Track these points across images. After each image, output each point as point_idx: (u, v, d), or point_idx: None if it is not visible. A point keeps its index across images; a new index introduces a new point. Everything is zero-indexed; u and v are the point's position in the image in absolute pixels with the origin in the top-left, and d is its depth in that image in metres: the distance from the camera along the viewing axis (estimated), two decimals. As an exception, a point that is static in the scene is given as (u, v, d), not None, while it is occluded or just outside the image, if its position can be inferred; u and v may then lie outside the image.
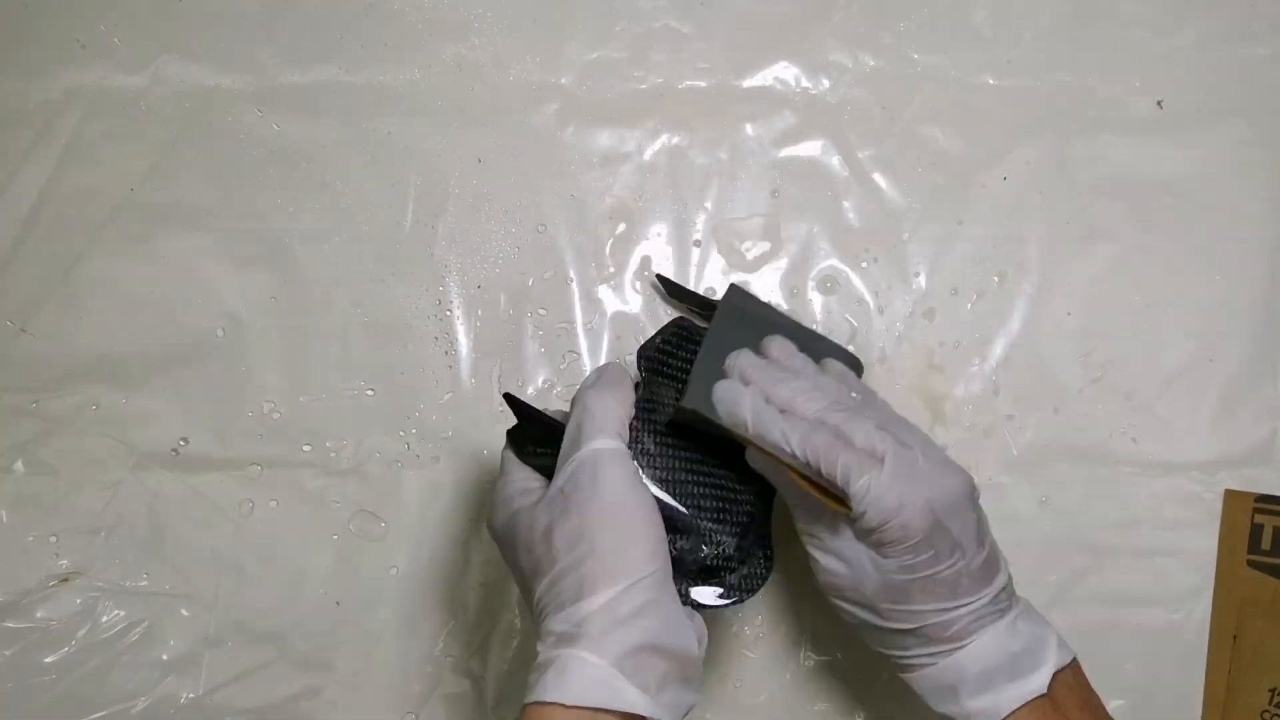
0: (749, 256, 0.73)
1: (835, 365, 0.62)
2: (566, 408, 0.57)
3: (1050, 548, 0.70)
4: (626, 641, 0.48)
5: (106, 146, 0.73)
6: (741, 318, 0.63)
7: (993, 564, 0.54)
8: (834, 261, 0.73)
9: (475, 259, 0.73)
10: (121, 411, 0.71)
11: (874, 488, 0.51)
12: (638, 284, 0.73)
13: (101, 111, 0.74)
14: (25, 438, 0.71)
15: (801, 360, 0.60)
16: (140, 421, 0.71)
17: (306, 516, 0.71)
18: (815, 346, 0.63)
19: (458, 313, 0.72)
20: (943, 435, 0.71)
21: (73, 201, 0.73)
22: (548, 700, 0.47)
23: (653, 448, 0.57)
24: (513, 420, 0.58)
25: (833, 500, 0.52)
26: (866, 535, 0.52)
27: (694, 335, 0.62)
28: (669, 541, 0.53)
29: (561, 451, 0.54)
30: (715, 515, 0.56)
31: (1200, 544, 0.70)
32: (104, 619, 0.70)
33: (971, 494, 0.55)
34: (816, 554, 0.55)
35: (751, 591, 0.56)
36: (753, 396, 0.55)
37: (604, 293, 0.73)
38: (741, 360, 0.58)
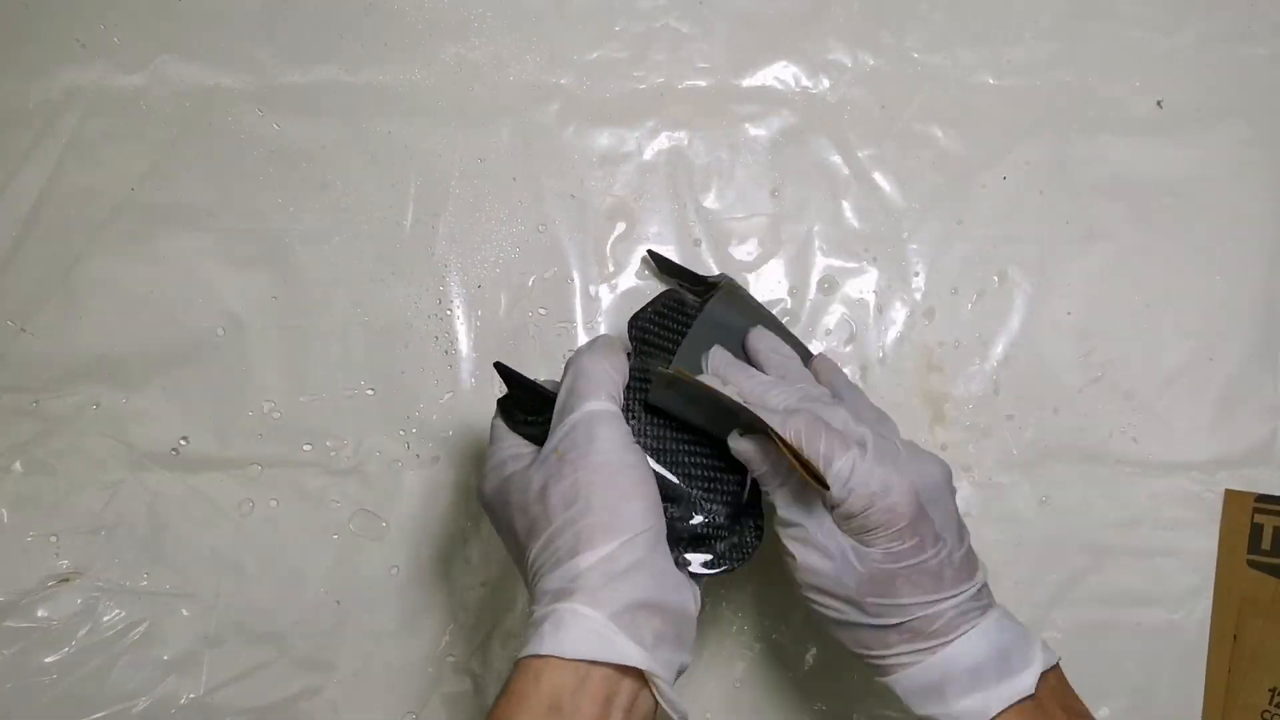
0: (749, 256, 0.73)
1: (823, 361, 0.62)
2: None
3: (1050, 548, 0.70)
4: (623, 596, 0.48)
5: (106, 146, 0.73)
6: (729, 311, 0.63)
7: (972, 559, 0.53)
8: (834, 261, 0.73)
9: (476, 259, 0.73)
10: (121, 411, 0.71)
11: (858, 470, 0.50)
12: (639, 284, 0.73)
13: (101, 111, 0.74)
14: (25, 438, 0.71)
15: (787, 352, 0.60)
16: (140, 421, 0.71)
17: (307, 516, 0.71)
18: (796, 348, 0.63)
19: (458, 312, 0.72)
20: (943, 435, 0.71)
21: (73, 201, 0.73)
22: (543, 653, 0.47)
23: (645, 417, 0.56)
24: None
25: (813, 478, 0.50)
26: (850, 521, 0.51)
27: (685, 307, 0.62)
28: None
29: (555, 413, 0.54)
30: (706, 485, 0.56)
31: (1200, 544, 0.70)
32: (104, 619, 0.70)
33: (949, 482, 0.54)
34: (797, 549, 0.53)
35: (741, 560, 0.55)
36: (731, 391, 0.55)
37: (604, 292, 0.73)
38: (715, 358, 0.59)
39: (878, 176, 0.74)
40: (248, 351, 0.72)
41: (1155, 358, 0.72)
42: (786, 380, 0.57)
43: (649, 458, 0.54)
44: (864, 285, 0.73)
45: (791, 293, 0.72)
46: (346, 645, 0.70)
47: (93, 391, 0.72)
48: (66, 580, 0.70)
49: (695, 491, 0.55)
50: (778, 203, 0.73)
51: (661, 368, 0.56)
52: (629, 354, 0.58)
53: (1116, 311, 0.72)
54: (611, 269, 0.73)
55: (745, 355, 0.61)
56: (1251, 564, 0.69)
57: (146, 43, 0.74)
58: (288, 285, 0.72)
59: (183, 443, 0.71)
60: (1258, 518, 0.69)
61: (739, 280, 0.72)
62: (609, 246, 0.73)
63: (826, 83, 0.74)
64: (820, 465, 0.50)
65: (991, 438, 0.71)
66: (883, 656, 0.52)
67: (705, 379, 0.57)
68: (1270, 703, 0.67)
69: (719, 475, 0.56)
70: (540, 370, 0.71)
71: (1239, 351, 0.71)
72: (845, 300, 0.73)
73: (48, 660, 0.69)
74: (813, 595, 0.53)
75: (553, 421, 0.54)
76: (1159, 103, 0.74)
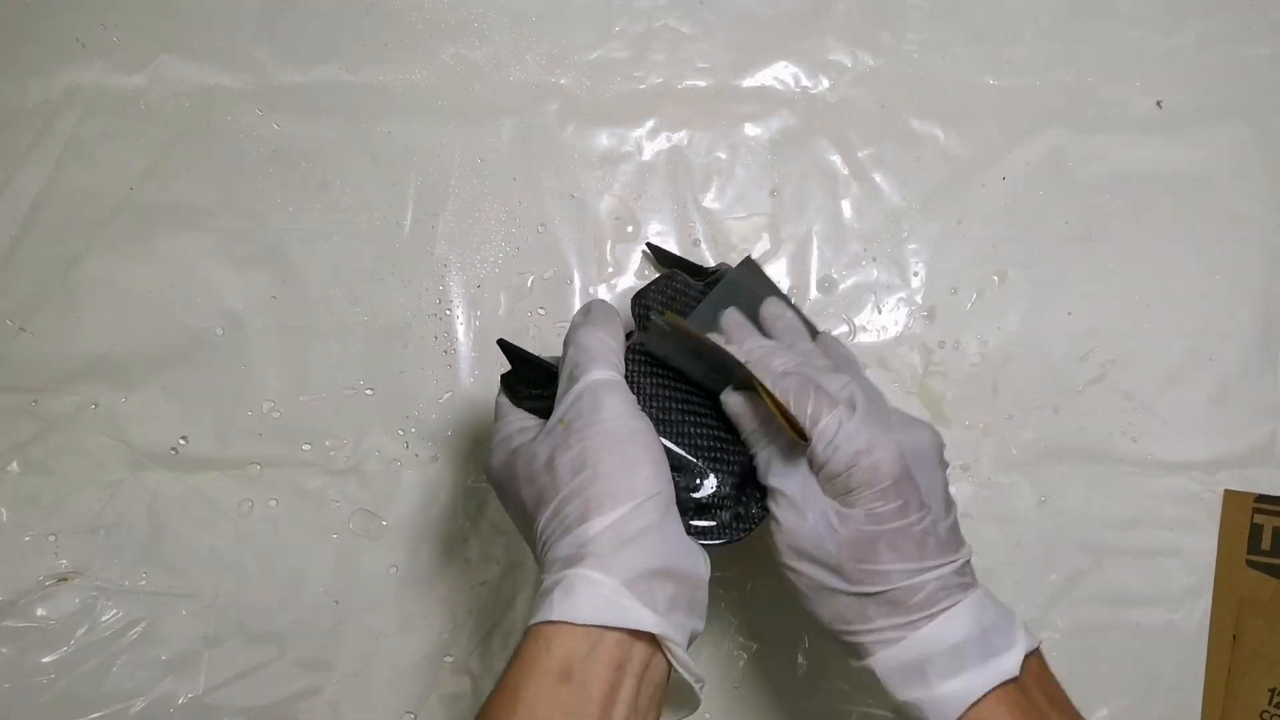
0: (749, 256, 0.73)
1: (828, 339, 0.61)
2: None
3: (1050, 548, 0.70)
4: (634, 562, 0.47)
5: (106, 146, 0.73)
6: (748, 280, 0.63)
7: (958, 534, 0.52)
8: (833, 261, 0.73)
9: (475, 258, 0.73)
10: (121, 411, 0.71)
11: (844, 428, 0.50)
12: (639, 285, 0.73)
13: (101, 111, 0.74)
14: (24, 437, 0.71)
15: (792, 318, 0.60)
16: (139, 421, 0.71)
17: (306, 516, 0.71)
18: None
19: (458, 312, 0.72)
20: (943, 435, 0.71)
21: (72, 201, 0.73)
22: (554, 619, 0.46)
23: (650, 388, 0.56)
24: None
25: (795, 431, 0.50)
26: (834, 481, 0.51)
27: (688, 289, 0.62)
28: None
29: (560, 385, 0.54)
30: (712, 456, 0.55)
31: (1200, 544, 0.70)
32: (103, 618, 0.70)
33: (939, 451, 0.54)
34: (781, 511, 0.52)
35: (748, 530, 0.55)
36: (734, 350, 0.56)
37: (604, 292, 0.73)
38: (728, 317, 0.59)
39: (877, 176, 0.74)
40: (247, 351, 0.72)
41: (1155, 358, 0.72)
42: (793, 349, 0.57)
43: (655, 429, 0.54)
44: (864, 285, 0.73)
45: (791, 292, 0.72)
46: (346, 645, 0.70)
47: (92, 391, 0.72)
48: (65, 580, 0.70)
49: (700, 462, 0.55)
50: (777, 202, 0.73)
51: (657, 317, 0.56)
52: (630, 330, 0.58)
53: (1116, 311, 0.72)
54: (611, 269, 0.73)
55: (758, 323, 0.61)
56: (1251, 564, 0.69)
57: (146, 43, 0.74)
58: (287, 285, 0.72)
59: (182, 442, 0.71)
60: (1257, 518, 0.69)
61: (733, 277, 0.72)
62: (608, 246, 0.73)
63: (826, 83, 0.75)
64: (807, 424, 0.50)
65: (991, 438, 0.71)
66: (861, 632, 0.51)
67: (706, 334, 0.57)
68: (1270, 703, 0.67)
69: (724, 447, 0.56)
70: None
71: (1239, 351, 0.71)
72: (845, 300, 0.73)
73: (46, 660, 0.69)
74: (793, 562, 0.52)
75: (558, 394, 0.54)
76: (1159, 103, 0.74)
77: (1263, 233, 0.72)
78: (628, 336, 0.57)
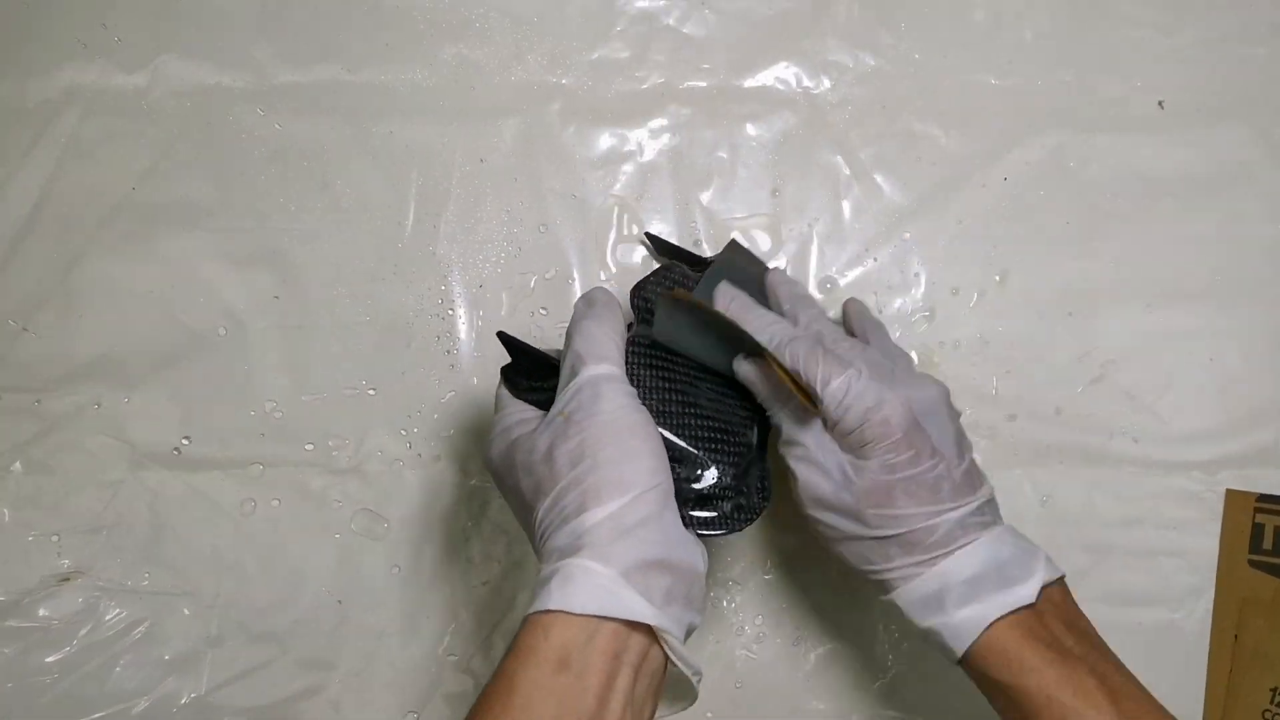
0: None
1: (855, 304, 0.65)
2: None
3: (1050, 548, 0.69)
4: (632, 553, 0.48)
5: (106, 146, 0.73)
6: (739, 260, 0.65)
7: (975, 477, 0.55)
8: (834, 261, 0.73)
9: (477, 258, 0.73)
10: (122, 411, 0.71)
11: (854, 387, 0.53)
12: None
13: (101, 111, 0.74)
14: (26, 437, 0.71)
15: (802, 291, 0.64)
16: (141, 421, 0.71)
17: (308, 516, 0.71)
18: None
19: (460, 312, 0.72)
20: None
21: (73, 201, 0.73)
22: (552, 608, 0.46)
23: (650, 381, 0.57)
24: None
25: (805, 398, 0.53)
26: (848, 438, 0.53)
27: (686, 280, 0.62)
28: None
29: (561, 378, 0.54)
30: (712, 447, 0.56)
31: (1201, 544, 0.70)
32: (105, 618, 0.70)
33: (948, 402, 0.56)
34: (799, 467, 0.55)
35: (748, 521, 0.56)
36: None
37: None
38: (722, 291, 0.61)
39: (878, 177, 0.74)
40: (249, 351, 0.72)
41: (1156, 357, 0.72)
42: (800, 318, 0.60)
43: (655, 421, 0.54)
44: (864, 285, 0.73)
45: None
46: (348, 645, 0.70)
47: (93, 391, 0.71)
48: (67, 580, 0.70)
49: (701, 453, 0.55)
50: (778, 202, 0.74)
51: (664, 291, 0.57)
52: (630, 323, 0.59)
53: (1117, 312, 0.72)
54: (613, 269, 0.73)
55: (760, 298, 0.63)
56: (1253, 564, 0.69)
57: (146, 42, 0.74)
58: (289, 285, 0.72)
59: (184, 442, 0.71)
60: (1259, 517, 0.69)
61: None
62: (610, 246, 0.73)
63: (827, 83, 0.75)
64: (818, 387, 0.53)
65: (992, 438, 0.71)
66: (884, 570, 0.54)
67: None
68: (1271, 702, 0.68)
69: (724, 438, 0.56)
70: (541, 370, 0.72)
71: (1239, 351, 0.72)
72: (846, 300, 0.73)
73: (49, 660, 0.69)
74: (816, 513, 0.55)
75: (559, 386, 0.54)
76: (1160, 103, 0.74)
77: (1263, 233, 0.73)
78: (628, 329, 0.58)
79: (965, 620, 0.51)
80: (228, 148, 0.74)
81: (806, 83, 0.75)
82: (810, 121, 0.74)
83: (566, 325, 0.71)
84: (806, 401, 0.53)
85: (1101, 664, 0.51)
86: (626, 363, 0.56)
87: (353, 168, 0.73)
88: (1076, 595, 0.70)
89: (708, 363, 0.58)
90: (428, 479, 0.71)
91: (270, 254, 0.73)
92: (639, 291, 0.61)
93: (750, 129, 0.74)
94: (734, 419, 0.58)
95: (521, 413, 0.56)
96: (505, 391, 0.59)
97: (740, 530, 0.55)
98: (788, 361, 0.54)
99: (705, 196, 0.73)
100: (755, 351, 0.56)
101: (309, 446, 0.71)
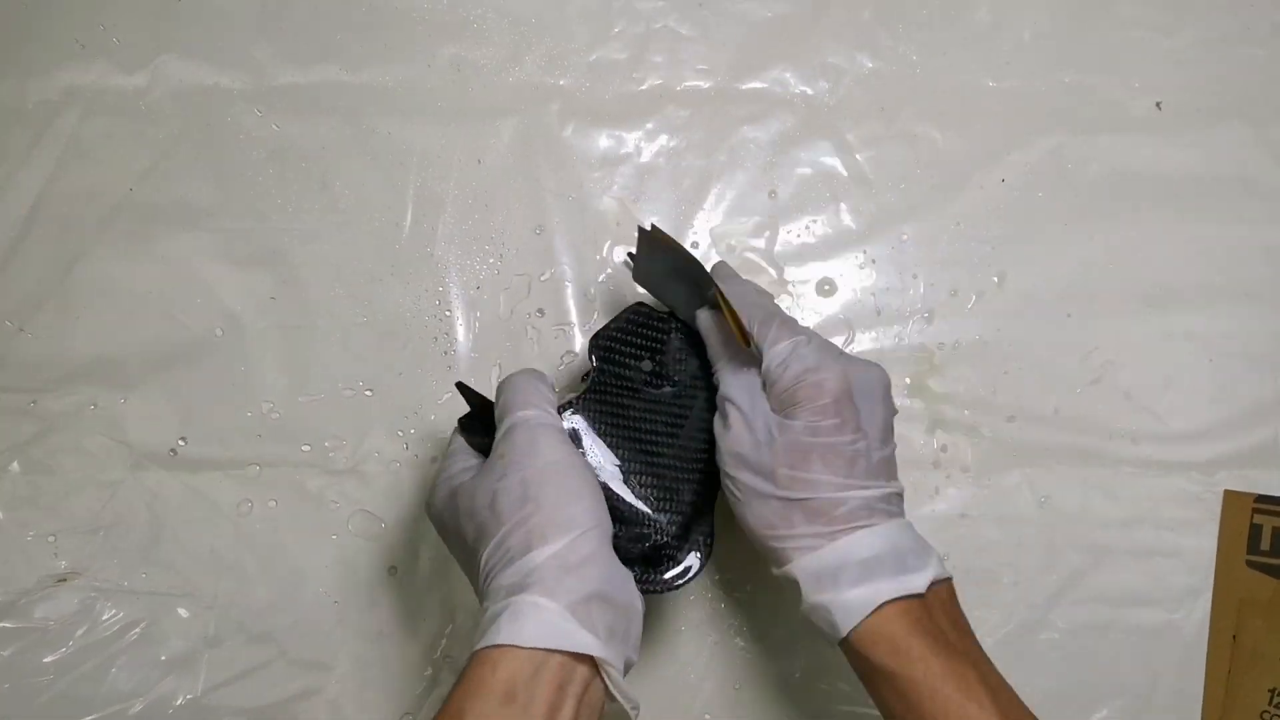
0: (747, 258, 0.73)
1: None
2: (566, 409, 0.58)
3: (1050, 548, 0.70)
4: (577, 589, 0.49)
5: (105, 146, 0.73)
6: (655, 253, 0.63)
7: (891, 468, 0.55)
8: (833, 263, 0.73)
9: (474, 259, 0.73)
10: (120, 411, 0.71)
11: (798, 350, 0.55)
12: (639, 288, 0.73)
13: (100, 111, 0.74)
14: (24, 438, 0.71)
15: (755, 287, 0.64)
16: (139, 421, 0.71)
17: (306, 516, 0.71)
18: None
19: (457, 313, 0.72)
20: (943, 436, 0.71)
21: (72, 201, 0.73)
22: (500, 643, 0.48)
23: (601, 430, 0.60)
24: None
25: (743, 338, 0.55)
26: (781, 396, 0.55)
27: (650, 320, 0.63)
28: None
29: (496, 423, 0.56)
30: (660, 497, 0.59)
31: (1199, 544, 0.70)
32: (102, 619, 0.70)
33: (887, 390, 0.57)
34: (732, 418, 0.56)
35: (688, 580, 0.58)
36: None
37: (602, 294, 0.72)
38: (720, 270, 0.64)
39: (876, 178, 0.74)
40: (247, 352, 0.72)
41: (1154, 358, 0.72)
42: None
43: (605, 474, 0.58)
44: (863, 287, 0.73)
45: (791, 295, 0.72)
46: (345, 646, 0.70)
47: (91, 391, 0.71)
48: (65, 580, 0.70)
49: (647, 510, 0.58)
50: (776, 205, 0.73)
51: (647, 230, 0.59)
52: (587, 372, 0.62)
53: (1116, 312, 0.72)
54: (610, 270, 0.73)
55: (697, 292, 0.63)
56: (1251, 564, 0.69)
57: (146, 43, 0.74)
58: (287, 285, 0.72)
59: (181, 443, 0.71)
60: (1257, 518, 0.69)
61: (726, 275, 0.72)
62: (607, 248, 0.73)
63: (825, 85, 0.75)
64: (765, 345, 0.55)
65: (992, 439, 0.71)
66: (785, 537, 0.53)
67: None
68: (1269, 703, 0.67)
69: (674, 487, 0.59)
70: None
71: (1238, 352, 0.71)
72: (844, 302, 0.73)
73: (46, 660, 0.69)
74: (732, 470, 0.55)
75: (497, 432, 0.56)
76: (1158, 103, 0.74)
77: (1263, 233, 0.72)
78: (584, 378, 0.61)
79: (856, 599, 0.51)
80: (226, 148, 0.74)
81: (804, 85, 0.75)
82: (808, 123, 0.74)
83: (562, 328, 0.71)
84: (742, 340, 0.55)
85: (982, 663, 0.52)
86: (586, 416, 0.59)
87: (351, 168, 0.73)
88: (1075, 595, 0.70)
89: (678, 311, 0.62)
90: (425, 480, 0.71)
91: (268, 255, 0.73)
92: (597, 340, 0.62)
93: (748, 131, 0.74)
94: (684, 472, 0.60)
95: (465, 461, 0.58)
96: (460, 440, 0.60)
97: (678, 589, 0.58)
98: (744, 318, 0.56)
99: (703, 198, 0.73)
100: (715, 305, 0.58)
101: (306, 447, 0.71)
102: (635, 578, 0.55)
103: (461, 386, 0.60)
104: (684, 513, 0.59)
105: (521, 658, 0.47)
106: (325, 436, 0.71)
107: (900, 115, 0.74)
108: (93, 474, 0.71)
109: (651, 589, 0.57)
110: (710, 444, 0.58)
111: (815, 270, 0.73)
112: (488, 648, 0.48)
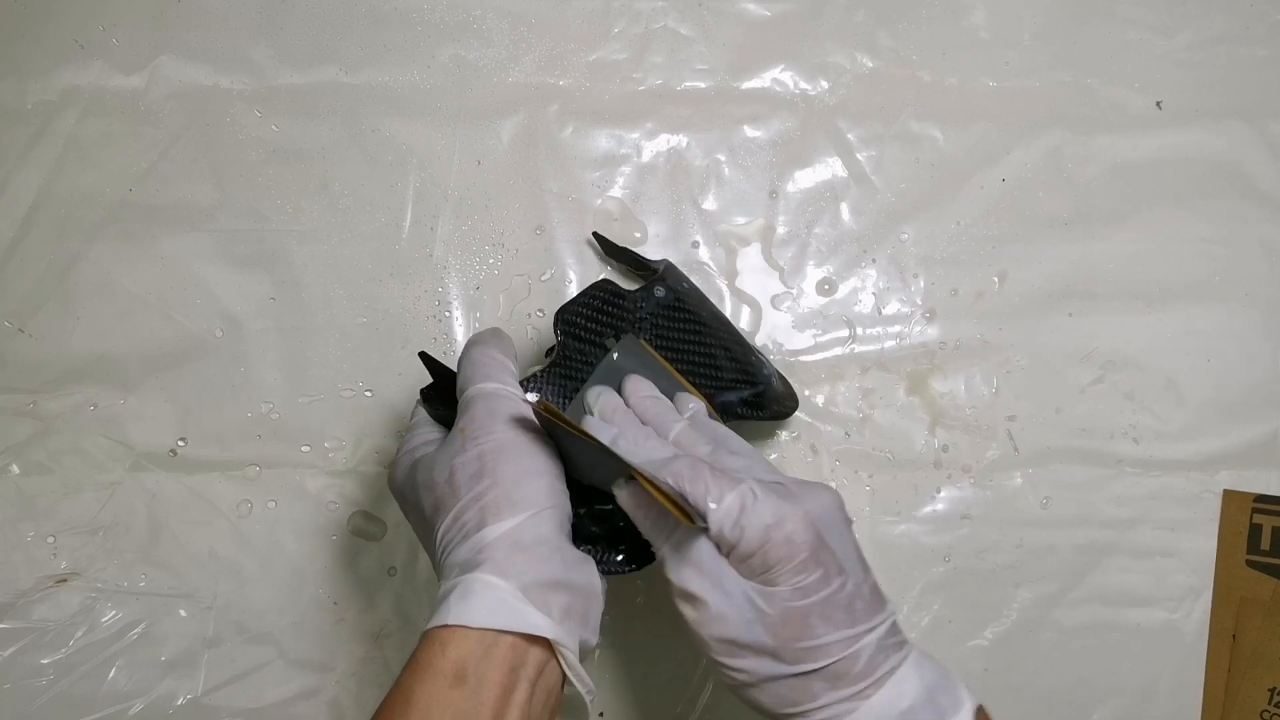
0: (747, 258, 0.73)
1: (700, 415, 0.59)
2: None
3: (1050, 548, 0.70)
4: (530, 569, 0.48)
5: (104, 147, 0.73)
6: (631, 358, 0.62)
7: (880, 593, 0.50)
8: (832, 263, 0.73)
9: (474, 260, 0.73)
10: (119, 412, 0.71)
11: (748, 504, 0.48)
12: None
13: (99, 112, 0.74)
14: (23, 438, 0.71)
15: (654, 399, 0.59)
16: (138, 422, 0.71)
17: (305, 517, 0.71)
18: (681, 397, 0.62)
19: (456, 314, 0.72)
20: (943, 436, 0.71)
21: (70, 202, 0.73)
22: (450, 623, 0.46)
23: (563, 403, 0.58)
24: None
25: (685, 516, 0.47)
26: (749, 562, 0.48)
27: (616, 298, 0.62)
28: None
29: (458, 395, 0.55)
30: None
31: (1199, 544, 0.70)
32: (102, 620, 0.70)
33: (843, 510, 0.51)
34: (697, 607, 0.49)
35: (649, 560, 0.54)
36: (610, 434, 0.55)
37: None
38: (604, 401, 0.58)
39: (876, 178, 0.74)
40: (246, 352, 0.72)
41: (1155, 358, 0.72)
42: (671, 431, 0.56)
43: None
44: (863, 287, 0.73)
45: (791, 295, 0.72)
46: (344, 646, 0.70)
47: (90, 392, 0.71)
48: (64, 581, 0.70)
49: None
50: (776, 204, 0.73)
51: (541, 398, 0.57)
52: (551, 347, 0.60)
53: (1116, 312, 0.72)
54: (609, 270, 0.73)
55: (661, 379, 0.61)
56: (1250, 564, 0.69)
57: (145, 43, 0.74)
58: (286, 286, 0.72)
59: (181, 443, 0.71)
60: (1256, 518, 0.69)
61: (737, 284, 0.72)
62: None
63: (825, 84, 0.75)
64: (707, 504, 0.48)
65: (992, 438, 0.71)
66: (811, 712, 0.48)
67: (588, 421, 0.57)
68: (1269, 702, 0.67)
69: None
70: (539, 371, 0.71)
71: (1238, 352, 0.71)
72: (844, 302, 0.73)
73: (45, 661, 0.69)
74: (726, 658, 0.49)
75: (459, 404, 0.55)
76: (1158, 103, 0.74)
77: (1262, 233, 0.72)
78: (547, 354, 0.58)
79: None
80: (225, 149, 0.74)
81: (804, 84, 0.75)
82: (808, 123, 0.74)
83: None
84: (688, 521, 0.47)
85: None
86: (544, 390, 0.57)
87: (350, 169, 0.73)
88: (1076, 594, 0.70)
89: (596, 484, 0.54)
90: (425, 480, 0.71)
91: (268, 255, 0.73)
92: (562, 315, 0.60)
93: (748, 130, 0.74)
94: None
95: (428, 434, 0.57)
96: (422, 412, 0.59)
97: (639, 569, 0.55)
98: (671, 481, 0.49)
99: (703, 198, 0.73)
100: (631, 475, 0.51)
101: (306, 448, 0.71)
102: (595, 559, 0.53)
103: (425, 356, 0.59)
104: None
105: (472, 638, 0.46)
106: (325, 437, 0.71)
107: (900, 115, 0.74)
108: (92, 475, 0.71)
109: (612, 570, 0.55)
110: None
111: (815, 270, 0.73)
112: (437, 628, 0.47)
